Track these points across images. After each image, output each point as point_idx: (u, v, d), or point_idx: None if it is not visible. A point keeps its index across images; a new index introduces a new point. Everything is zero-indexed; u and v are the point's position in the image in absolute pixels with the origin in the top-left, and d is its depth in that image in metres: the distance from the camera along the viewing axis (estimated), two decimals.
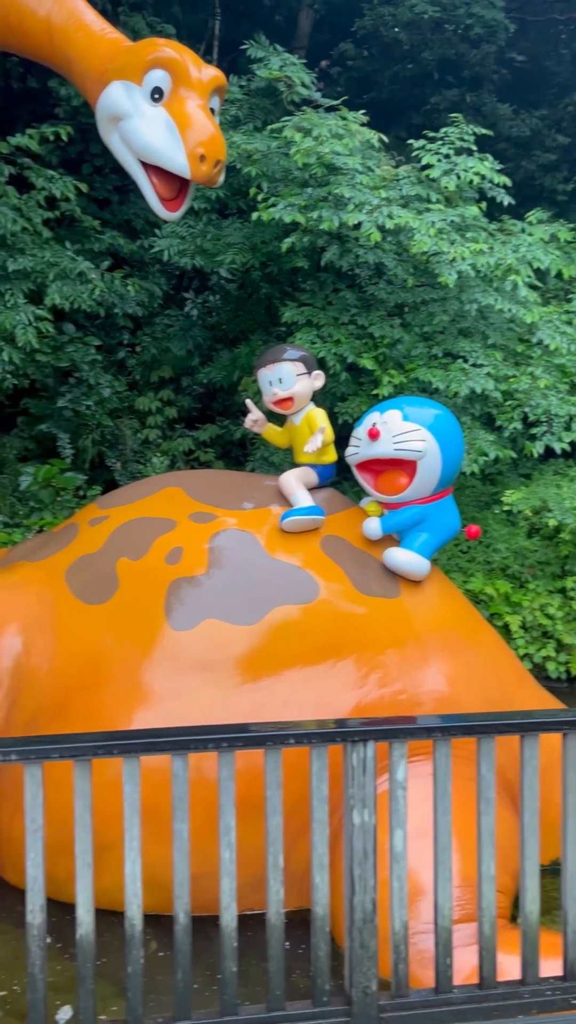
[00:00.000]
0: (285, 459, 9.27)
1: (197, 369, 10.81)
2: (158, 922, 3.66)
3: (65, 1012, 3.25)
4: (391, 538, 4.73)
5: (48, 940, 3.53)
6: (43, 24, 5.11)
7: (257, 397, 7.77)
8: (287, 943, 2.74)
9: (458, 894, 3.33)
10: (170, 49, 4.74)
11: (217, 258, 9.25)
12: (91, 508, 5.07)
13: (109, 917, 3.33)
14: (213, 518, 4.62)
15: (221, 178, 4.82)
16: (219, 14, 12.65)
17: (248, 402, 5.19)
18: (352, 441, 4.80)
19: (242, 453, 10.96)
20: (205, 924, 3.39)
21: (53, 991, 3.23)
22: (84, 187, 9.02)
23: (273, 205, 7.62)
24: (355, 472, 4.84)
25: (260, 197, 7.98)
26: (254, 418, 5.10)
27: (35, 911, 2.23)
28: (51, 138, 8.52)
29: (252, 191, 8.08)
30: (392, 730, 2.57)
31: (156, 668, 4.19)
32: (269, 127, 8.28)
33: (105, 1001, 3.33)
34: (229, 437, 10.60)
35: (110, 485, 10.29)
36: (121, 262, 11.45)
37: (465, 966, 3.08)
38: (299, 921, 3.35)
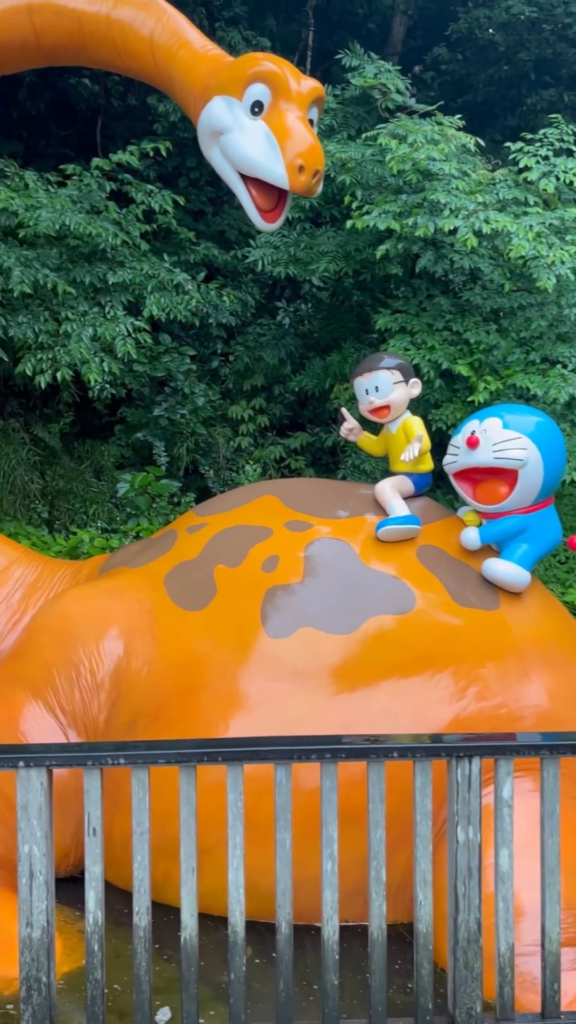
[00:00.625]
0: (377, 467, 9.22)
1: (289, 377, 10.87)
2: (251, 928, 3.68)
3: (164, 1013, 3.30)
4: (490, 548, 4.65)
5: None
6: (147, 43, 5.23)
7: (349, 404, 7.74)
8: None
9: (562, 916, 3.24)
10: (270, 63, 4.79)
11: (310, 266, 9.29)
12: (189, 515, 5.16)
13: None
14: (308, 527, 4.63)
15: (319, 188, 4.84)
16: (313, 24, 12.73)
17: (343, 410, 5.18)
18: (450, 449, 4.73)
19: (333, 461, 10.97)
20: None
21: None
22: (181, 200, 9.21)
23: (367, 213, 7.62)
24: (453, 481, 4.77)
25: (354, 205, 7.99)
26: (349, 426, 5.10)
27: (141, 913, 2.27)
28: (150, 153, 8.73)
29: (347, 199, 8.09)
30: (498, 747, 2.51)
31: (252, 675, 4.22)
32: (364, 135, 8.29)
33: (201, 1004, 3.36)
34: (320, 445, 10.61)
35: (203, 492, 10.46)
36: (215, 272, 11.64)
37: (569, 990, 2.99)
38: (392, 935, 3.31)
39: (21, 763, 2.25)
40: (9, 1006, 3.22)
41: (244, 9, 12.92)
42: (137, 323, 8.06)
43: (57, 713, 4.44)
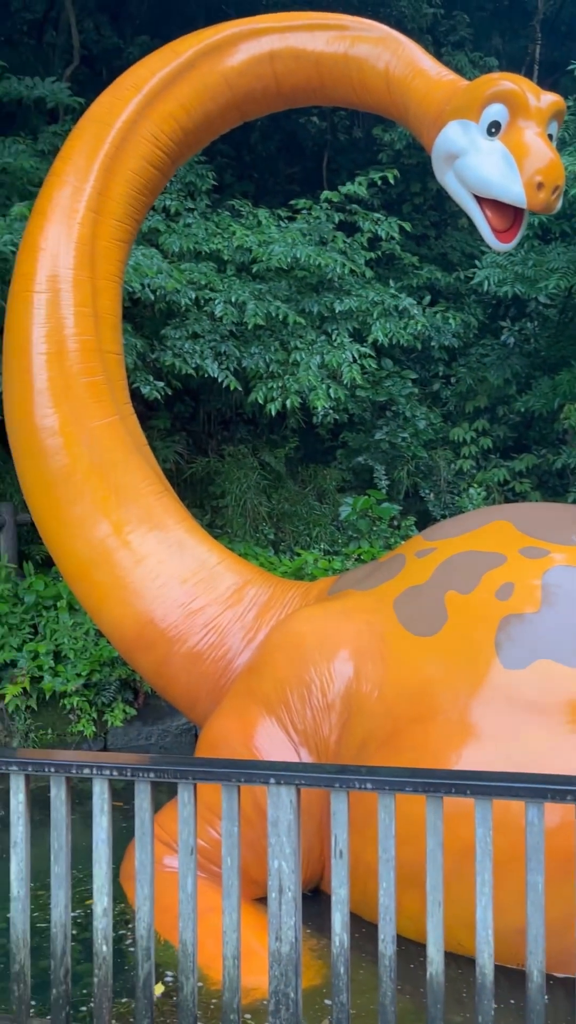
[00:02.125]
0: None
1: (514, 398, 10.59)
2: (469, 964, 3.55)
3: None
4: None
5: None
6: (382, 77, 5.34)
7: None
8: None
9: None
10: (508, 82, 4.72)
11: (538, 284, 9.03)
12: (417, 540, 5.13)
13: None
14: (545, 553, 4.45)
15: (558, 204, 4.69)
16: (540, 38, 12.44)
17: None
18: None
19: (561, 484, 10.53)
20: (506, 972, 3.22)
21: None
22: (408, 226, 9.27)
23: None
24: None
25: None
26: None
27: (387, 941, 2.26)
28: (377, 182, 8.87)
29: None
30: None
31: (486, 706, 4.10)
32: None
33: None
34: (547, 467, 10.23)
35: (423, 515, 10.39)
36: (437, 295, 11.61)
37: None
38: None
39: (272, 780, 2.32)
40: (247, 1015, 3.32)
41: (469, 32, 12.88)
42: (363, 349, 8.18)
43: (289, 731, 4.55)
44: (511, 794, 2.23)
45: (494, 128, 4.74)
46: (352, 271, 9.29)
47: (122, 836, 3.93)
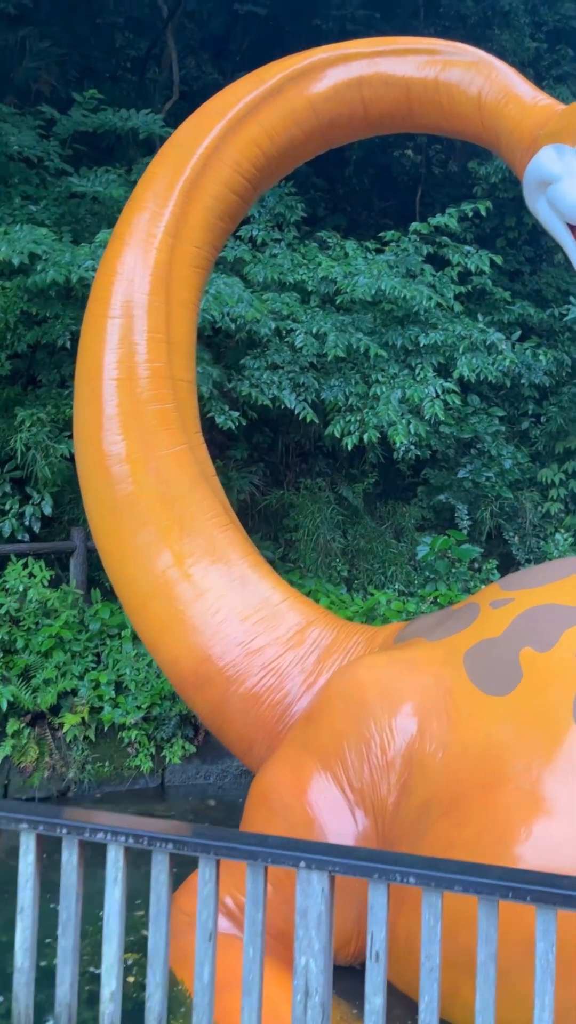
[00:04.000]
0: None
1: None
2: None
3: None
4: None
5: None
6: (474, 102, 5.12)
7: None
8: None
9: None
10: None
11: None
12: (493, 588, 4.78)
13: None
14: None
15: None
16: None
17: None
18: None
19: None
20: None
21: None
22: (499, 259, 8.96)
23: None
24: None
25: None
26: None
27: None
28: (469, 215, 8.62)
29: None
30: None
31: (562, 778, 3.72)
32: None
33: None
34: None
35: (506, 559, 9.94)
36: (530, 332, 11.22)
37: None
38: None
39: (303, 863, 2.05)
40: None
41: (574, 66, 12.57)
42: (447, 384, 7.88)
43: (345, 788, 4.25)
44: None
45: None
46: (440, 305, 9.03)
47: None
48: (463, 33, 11.74)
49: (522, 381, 10.46)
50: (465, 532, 9.37)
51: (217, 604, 5.10)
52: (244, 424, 8.15)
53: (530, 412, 10.88)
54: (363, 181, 14.53)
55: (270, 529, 9.45)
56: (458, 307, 9.30)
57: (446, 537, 8.75)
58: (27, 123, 8.30)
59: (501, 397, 11.15)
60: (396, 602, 8.18)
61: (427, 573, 8.87)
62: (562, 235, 4.61)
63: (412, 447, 9.14)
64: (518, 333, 10.42)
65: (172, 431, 5.32)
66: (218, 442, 10.17)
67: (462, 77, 5.14)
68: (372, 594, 8.18)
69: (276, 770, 4.52)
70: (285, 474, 10.49)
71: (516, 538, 9.80)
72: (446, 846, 3.80)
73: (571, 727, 3.80)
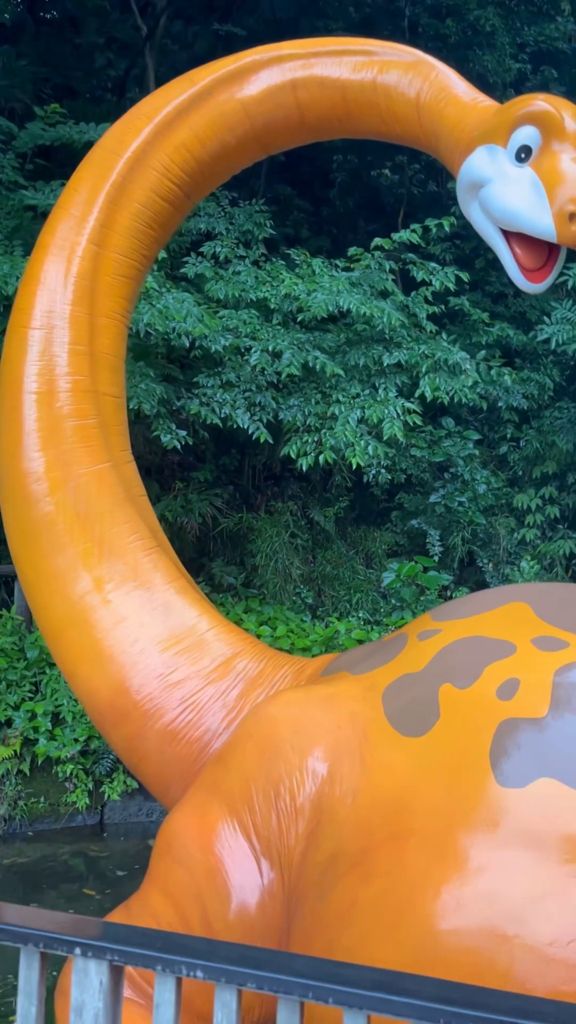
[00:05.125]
0: None
1: None
2: None
3: None
4: None
5: None
6: (412, 105, 4.87)
7: None
8: None
9: None
10: (543, 102, 4.14)
11: None
12: (424, 618, 4.43)
13: None
14: (562, 646, 3.69)
15: None
16: None
17: None
18: None
19: None
20: None
21: None
22: (465, 276, 8.69)
23: None
24: None
25: None
26: None
27: None
28: (433, 231, 8.36)
29: None
30: None
31: (473, 830, 3.35)
32: None
33: None
34: None
35: (479, 587, 9.58)
36: (512, 355, 10.95)
37: None
38: None
39: (78, 949, 1.71)
40: None
41: (561, 89, 12.40)
42: (408, 404, 7.58)
43: (252, 837, 3.89)
44: (394, 1012, 1.51)
45: (524, 153, 4.15)
46: (416, 325, 8.76)
47: None
48: (445, 54, 11.58)
49: (499, 404, 10.17)
50: (436, 558, 9.03)
51: (136, 633, 4.76)
52: (196, 443, 7.87)
53: (508, 436, 10.58)
54: (347, 203, 14.37)
55: (234, 554, 9.14)
56: (431, 327, 9.02)
57: (413, 564, 8.40)
58: None
59: (480, 421, 10.86)
60: (358, 631, 7.84)
61: (394, 601, 8.53)
62: (495, 241, 4.30)
63: (382, 470, 8.85)
64: (492, 354, 10.16)
65: (93, 448, 5.02)
66: (181, 464, 9.89)
67: (400, 79, 4.88)
68: (331, 622, 7.84)
69: (182, 815, 4.15)
70: (255, 497, 10.19)
71: (490, 565, 9.45)
72: (350, 905, 3.44)
73: (488, 776, 3.43)
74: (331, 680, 4.32)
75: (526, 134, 4.14)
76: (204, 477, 9.13)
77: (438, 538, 9.28)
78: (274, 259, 9.03)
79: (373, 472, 8.83)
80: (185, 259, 8.36)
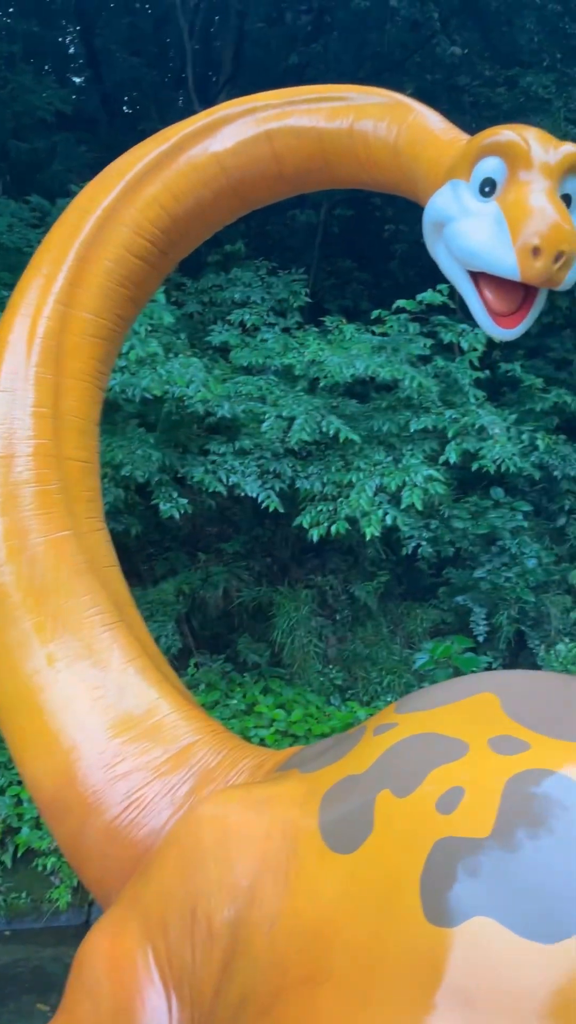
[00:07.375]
0: None
1: None
2: None
3: None
4: None
5: None
6: (390, 149, 4.54)
7: None
8: None
9: None
10: (509, 132, 3.73)
11: None
12: (388, 710, 3.86)
13: None
14: (523, 748, 3.04)
15: (570, 276, 3.54)
16: None
17: None
18: None
19: None
20: None
21: None
22: (497, 339, 8.18)
23: None
24: None
25: None
26: None
27: None
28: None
29: None
30: None
31: (393, 980, 2.72)
32: None
33: None
34: None
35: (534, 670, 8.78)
36: (572, 422, 10.32)
37: None
38: None
39: None
40: None
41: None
42: (432, 472, 7.06)
43: (165, 967, 3.35)
44: None
45: (488, 187, 3.72)
46: (458, 391, 8.32)
47: None
48: (499, 120, 11.36)
49: (555, 474, 9.51)
50: (481, 638, 8.33)
51: (84, 717, 4.34)
52: (230, 514, 7.54)
53: (567, 507, 9.86)
54: (408, 274, 14.16)
55: (261, 630, 8.68)
56: (475, 393, 8.54)
57: (448, 644, 7.73)
58: (20, 213, 8.29)
59: (538, 491, 10.20)
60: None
61: (426, 684, 7.84)
62: (461, 283, 3.84)
63: (423, 543, 8.30)
64: (555, 421, 9.57)
65: (53, 515, 4.73)
66: (217, 535, 9.58)
67: (376, 124, 4.57)
68: (350, 707, 7.23)
69: (98, 935, 3.62)
70: (293, 569, 9.75)
71: (542, 647, 8.66)
72: None
73: (415, 909, 2.80)
74: (277, 779, 3.77)
75: (490, 166, 3.72)
76: (234, 549, 8.77)
77: (483, 617, 8.59)
78: (308, 327, 8.80)
79: (414, 544, 8.30)
80: (211, 327, 8.21)
